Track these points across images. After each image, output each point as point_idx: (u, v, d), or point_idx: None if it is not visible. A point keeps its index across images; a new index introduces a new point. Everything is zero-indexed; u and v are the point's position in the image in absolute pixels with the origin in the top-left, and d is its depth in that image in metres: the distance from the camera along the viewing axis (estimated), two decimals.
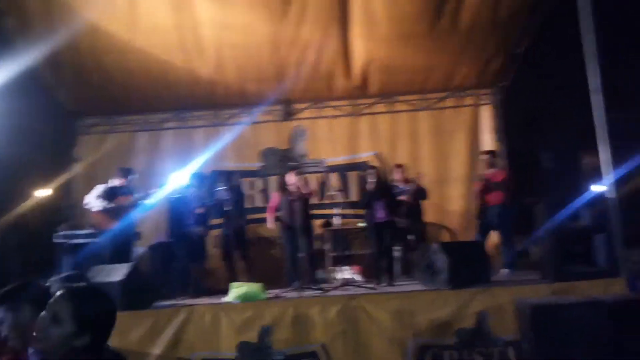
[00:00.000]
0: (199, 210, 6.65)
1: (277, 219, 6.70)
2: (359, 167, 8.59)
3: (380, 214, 6.11)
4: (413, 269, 6.84)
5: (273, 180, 8.67)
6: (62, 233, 6.76)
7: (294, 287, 5.84)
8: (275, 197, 6.86)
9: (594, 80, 5.49)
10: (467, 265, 5.24)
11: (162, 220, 7.38)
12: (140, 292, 5.25)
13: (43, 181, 8.70)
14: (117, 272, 5.25)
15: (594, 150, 5.58)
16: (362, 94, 8.56)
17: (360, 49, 7.49)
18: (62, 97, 8.17)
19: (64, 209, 8.40)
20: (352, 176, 8.65)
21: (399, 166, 7.24)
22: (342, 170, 8.62)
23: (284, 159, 8.72)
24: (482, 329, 4.89)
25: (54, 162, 8.63)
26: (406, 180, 7.00)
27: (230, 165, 8.52)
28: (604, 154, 5.39)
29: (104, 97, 8.14)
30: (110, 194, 6.39)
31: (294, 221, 6.11)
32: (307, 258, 6.13)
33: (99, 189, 6.40)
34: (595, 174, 7.33)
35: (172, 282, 6.31)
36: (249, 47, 7.27)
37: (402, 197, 6.83)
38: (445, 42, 7.41)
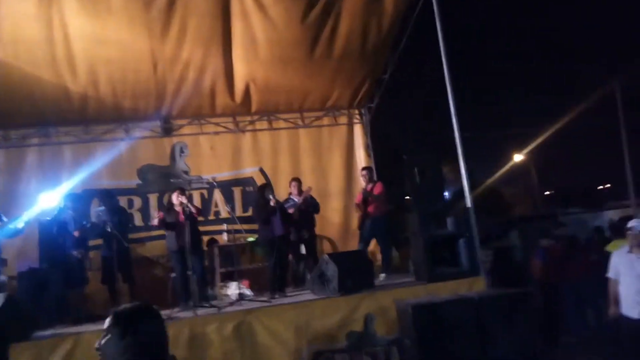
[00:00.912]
0: (77, 233, 6.25)
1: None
2: (244, 182, 8.73)
3: (278, 229, 6.33)
4: (303, 279, 7.18)
5: (153, 198, 8.43)
6: None
7: (186, 307, 5.78)
8: (157, 216, 6.70)
9: (452, 106, 6.32)
10: (353, 273, 5.68)
11: (31, 245, 6.81)
12: (17, 323, 4.84)
13: None
14: None
15: (452, 163, 6.43)
16: (245, 112, 8.73)
17: (241, 69, 7.68)
18: None
19: None
20: (237, 191, 8.75)
21: (295, 179, 7.48)
22: (227, 186, 8.66)
23: (164, 176, 8.52)
24: (368, 331, 5.33)
25: None
26: (299, 194, 7.28)
27: (105, 183, 8.09)
28: (462, 167, 6.24)
29: None
30: None
31: (182, 241, 6.05)
32: (198, 277, 6.11)
33: None
34: (453, 185, 8.39)
35: (48, 310, 5.84)
36: (125, 62, 7.06)
37: (292, 210, 7.09)
38: (320, 67, 7.94)
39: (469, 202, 6.16)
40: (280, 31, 7.06)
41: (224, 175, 8.74)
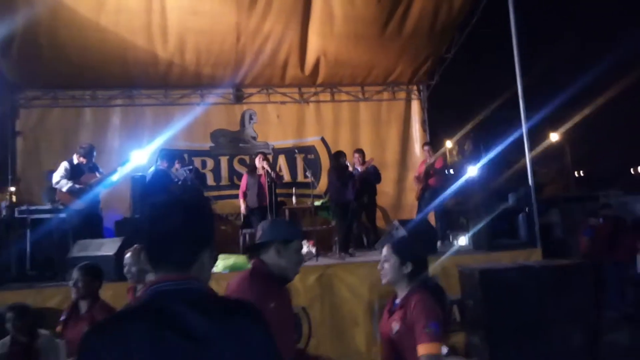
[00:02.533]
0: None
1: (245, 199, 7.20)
2: (306, 150, 9.30)
3: (350, 193, 6.90)
4: (361, 242, 7.78)
5: (224, 160, 9.08)
6: (23, 208, 6.65)
7: None
8: (244, 180, 7.31)
9: (519, 87, 6.70)
10: (420, 238, 6.23)
11: (121, 198, 7.54)
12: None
13: None
14: (108, 247, 5.50)
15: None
16: (310, 83, 9.22)
17: (315, 43, 8.14)
18: (6, 67, 7.82)
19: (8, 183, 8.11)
20: (299, 159, 9.32)
21: (359, 151, 7.99)
22: (290, 153, 9.25)
23: (234, 140, 9.14)
24: None
25: None
26: (362, 164, 7.80)
27: (181, 144, 8.77)
28: (527, 147, 6.67)
29: (51, 71, 7.94)
30: (75, 172, 6.43)
31: (263, 201, 6.66)
32: None
33: (64, 167, 6.40)
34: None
35: None
36: (212, 33, 7.60)
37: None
38: (389, 45, 8.33)
39: (530, 180, 6.61)
40: (357, 8, 7.47)
41: (288, 142, 9.32)
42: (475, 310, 5.61)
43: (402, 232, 6.17)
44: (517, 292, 5.44)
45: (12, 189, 8.35)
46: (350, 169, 7.75)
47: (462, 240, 7.21)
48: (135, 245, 3.39)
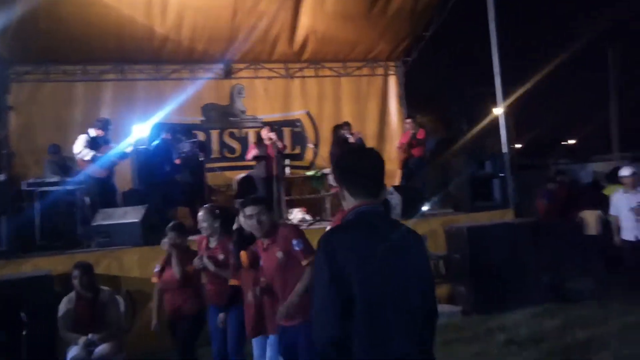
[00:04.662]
0: (178, 161, 7.33)
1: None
2: (292, 123, 9.82)
3: None
4: None
5: (214, 134, 9.47)
6: (31, 181, 6.88)
7: None
8: (252, 150, 7.72)
9: (495, 63, 7.49)
10: (410, 201, 6.98)
11: (122, 171, 7.84)
12: (155, 228, 5.96)
13: None
14: (133, 214, 5.91)
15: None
16: (295, 59, 9.68)
17: (306, 21, 8.62)
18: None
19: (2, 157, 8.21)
20: (286, 131, 9.82)
21: (347, 123, 8.56)
22: (277, 126, 9.72)
23: (224, 114, 9.53)
24: None
25: None
26: (351, 135, 8.39)
27: (173, 118, 9.06)
28: (501, 120, 7.51)
29: (45, 46, 8.02)
30: (93, 144, 6.74)
31: (270, 172, 7.18)
32: (279, 200, 7.33)
33: (84, 138, 6.69)
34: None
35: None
36: (210, 9, 7.93)
37: None
38: (374, 23, 8.92)
39: (505, 148, 7.47)
40: None
41: (275, 116, 9.79)
42: (461, 263, 6.46)
43: (396, 196, 6.89)
44: (497, 245, 6.32)
45: None
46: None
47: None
48: (205, 205, 3.98)
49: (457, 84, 10.64)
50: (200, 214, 4.07)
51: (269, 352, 3.50)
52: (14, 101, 8.45)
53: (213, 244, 4.10)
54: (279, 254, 3.20)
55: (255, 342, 3.69)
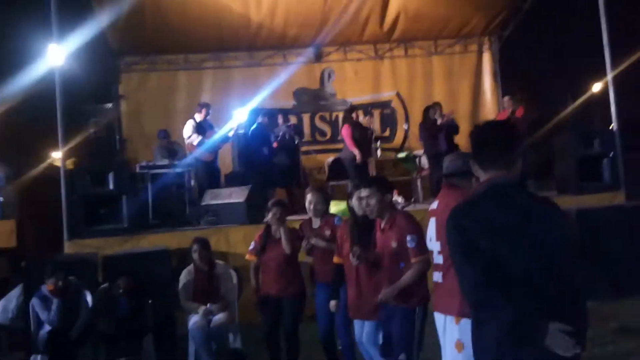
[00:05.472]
0: (276, 144, 7.59)
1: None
2: (382, 105, 9.77)
3: (443, 144, 7.41)
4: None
5: (306, 117, 9.66)
6: (143, 164, 7.43)
7: None
8: (349, 131, 7.75)
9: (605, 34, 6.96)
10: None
11: (222, 153, 8.22)
12: (258, 208, 6.21)
13: (91, 117, 9.08)
14: (238, 194, 6.22)
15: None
16: (385, 39, 9.58)
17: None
18: (111, 36, 8.48)
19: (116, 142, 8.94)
20: (376, 113, 9.79)
21: (437, 104, 8.40)
22: (367, 108, 9.72)
23: (315, 98, 9.68)
24: None
25: (100, 98, 9.01)
26: (442, 117, 8.23)
27: (267, 102, 9.33)
28: (612, 95, 7.00)
29: (151, 37, 8.55)
30: (200, 129, 7.16)
31: (367, 155, 7.23)
32: None
33: (191, 124, 7.13)
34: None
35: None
36: None
37: None
38: None
39: (615, 125, 6.96)
40: None
41: (366, 98, 9.79)
42: None
43: None
44: (609, 229, 5.94)
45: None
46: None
47: None
48: (313, 188, 4.11)
49: (558, 58, 10.00)
50: (311, 196, 4.14)
51: (367, 329, 3.58)
52: (124, 90, 9.13)
53: (317, 224, 4.19)
54: (394, 244, 3.21)
55: (356, 323, 3.77)
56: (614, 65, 7.19)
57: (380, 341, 3.30)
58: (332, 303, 3.87)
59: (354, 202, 3.54)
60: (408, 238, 3.17)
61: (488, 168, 1.89)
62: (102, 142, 9.19)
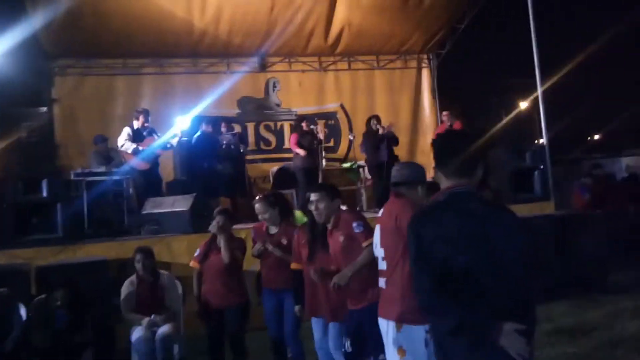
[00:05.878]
0: (219, 152, 7.47)
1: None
2: (327, 116, 9.89)
3: (383, 155, 7.58)
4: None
5: (250, 126, 9.60)
6: (79, 171, 7.07)
7: None
8: (296, 138, 7.74)
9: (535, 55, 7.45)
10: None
11: (163, 161, 7.99)
12: (203, 216, 6.07)
13: (23, 121, 8.54)
14: (181, 203, 6.05)
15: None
16: (329, 52, 9.74)
17: (342, 13, 8.68)
18: (45, 37, 8.06)
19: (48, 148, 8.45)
20: (320, 124, 9.85)
21: (375, 116, 8.57)
22: (313, 118, 9.77)
23: (259, 107, 9.64)
24: None
25: (32, 101, 8.51)
26: (382, 128, 8.42)
27: (210, 111, 9.18)
28: (542, 110, 7.47)
29: (88, 40, 8.21)
30: (137, 136, 6.90)
31: (315, 162, 7.26)
32: None
33: (126, 132, 6.86)
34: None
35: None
36: (249, 4, 8.05)
37: None
38: (410, 15, 8.94)
39: (545, 140, 7.43)
40: None
41: (311, 109, 9.87)
42: None
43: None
44: (540, 237, 6.30)
45: None
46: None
47: None
48: (259, 196, 4.07)
49: (491, 76, 10.61)
50: (258, 205, 4.08)
51: (331, 334, 3.59)
52: (57, 94, 8.68)
53: (274, 230, 4.15)
54: (341, 238, 3.31)
55: (315, 323, 3.77)
56: (544, 83, 7.70)
57: (349, 349, 3.28)
58: (297, 308, 3.87)
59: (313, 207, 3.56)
60: (354, 225, 3.26)
61: (450, 176, 1.95)
62: (35, 148, 8.64)
